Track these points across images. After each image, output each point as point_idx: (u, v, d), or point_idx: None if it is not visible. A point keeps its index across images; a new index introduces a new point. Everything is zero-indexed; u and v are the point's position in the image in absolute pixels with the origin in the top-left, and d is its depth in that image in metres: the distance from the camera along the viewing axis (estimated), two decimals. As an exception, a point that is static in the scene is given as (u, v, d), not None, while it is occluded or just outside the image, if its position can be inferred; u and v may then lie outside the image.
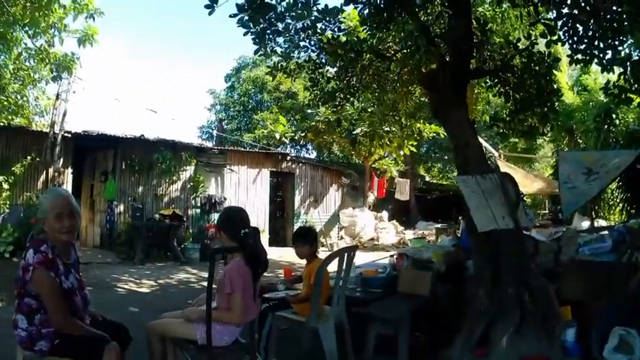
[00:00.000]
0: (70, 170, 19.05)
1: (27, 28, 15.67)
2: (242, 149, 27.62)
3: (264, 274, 5.63)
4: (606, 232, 8.61)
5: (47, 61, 16.73)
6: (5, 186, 16.99)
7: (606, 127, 21.39)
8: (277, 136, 30.40)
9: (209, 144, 32.64)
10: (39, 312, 4.41)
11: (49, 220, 4.54)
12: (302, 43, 10.27)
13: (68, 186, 18.41)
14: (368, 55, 10.81)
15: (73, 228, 4.61)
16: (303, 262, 7.32)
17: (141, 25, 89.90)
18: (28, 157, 17.57)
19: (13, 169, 17.17)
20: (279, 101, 39.52)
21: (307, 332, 6.44)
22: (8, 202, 17.22)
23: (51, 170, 17.95)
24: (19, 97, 20.12)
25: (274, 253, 20.10)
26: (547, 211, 30.16)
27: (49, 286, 4.33)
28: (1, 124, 18.59)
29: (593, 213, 17.96)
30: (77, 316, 4.58)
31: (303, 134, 29.44)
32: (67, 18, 15.44)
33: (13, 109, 20.00)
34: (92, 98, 77.63)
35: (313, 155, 39.55)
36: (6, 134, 17.78)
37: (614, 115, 21.39)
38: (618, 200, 19.08)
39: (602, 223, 17.14)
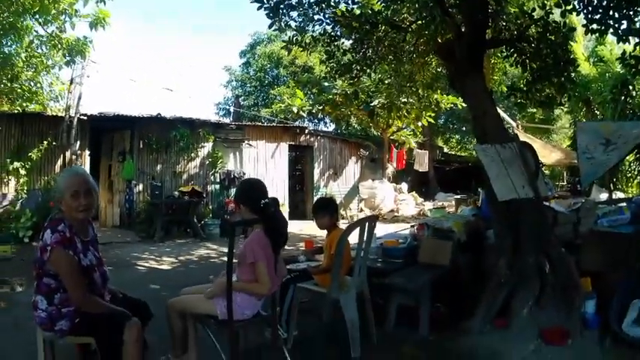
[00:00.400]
0: (87, 152, 19.05)
1: (37, 16, 15.70)
2: (260, 124, 27.58)
3: (285, 247, 5.63)
4: (624, 204, 8.59)
5: (60, 46, 16.72)
6: (22, 172, 17.07)
7: (623, 98, 21.19)
8: (295, 110, 30.23)
9: (226, 120, 32.55)
10: (58, 291, 4.44)
11: (65, 199, 4.55)
12: (316, 17, 10.27)
13: (86, 167, 18.23)
14: (383, 27, 10.73)
15: (90, 206, 4.62)
16: (324, 234, 7.26)
17: (152, 4, 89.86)
18: (45, 142, 17.63)
19: (29, 154, 17.25)
20: (295, 75, 39.35)
21: (328, 303, 6.42)
22: (26, 188, 17.33)
23: (68, 153, 18.02)
24: (32, 84, 20.14)
25: (294, 227, 20.10)
26: (565, 183, 30.06)
27: (68, 264, 4.36)
28: (16, 111, 18.64)
29: (611, 185, 17.85)
30: (97, 293, 4.62)
31: (320, 107, 29.26)
32: (77, 3, 15.46)
33: (28, 96, 20.04)
34: (107, 80, 78.01)
35: (331, 128, 39.51)
36: (21, 121, 17.83)
37: (630, 87, 21.19)
38: (636, 172, 19.02)
39: (620, 195, 17.11)
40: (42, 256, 4.38)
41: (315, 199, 22.83)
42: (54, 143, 17.85)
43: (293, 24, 10.17)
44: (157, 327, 5.34)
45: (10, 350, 6.43)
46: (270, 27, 9.73)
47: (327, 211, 7.15)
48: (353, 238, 6.50)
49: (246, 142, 23.15)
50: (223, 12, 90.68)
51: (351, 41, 11.71)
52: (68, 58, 16.98)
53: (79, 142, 18.24)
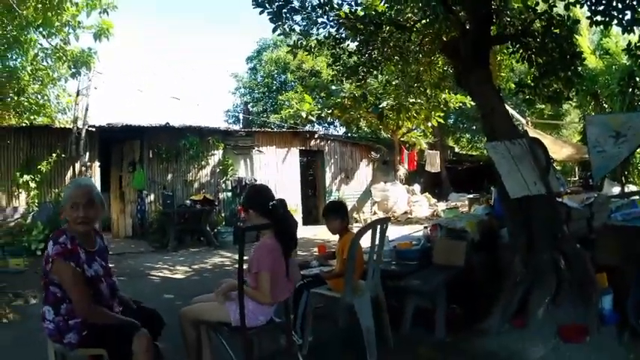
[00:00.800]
0: (97, 163, 19.07)
1: (41, 29, 15.76)
2: (269, 130, 27.68)
3: (299, 252, 5.60)
4: (637, 197, 8.55)
5: (65, 58, 16.77)
6: (32, 185, 17.19)
7: (630, 90, 21.13)
8: (304, 114, 30.28)
9: (236, 127, 32.60)
10: (64, 301, 4.46)
11: (66, 209, 4.59)
12: (320, 20, 10.23)
13: (96, 179, 18.50)
14: (387, 28, 10.71)
15: (89, 219, 4.60)
16: (337, 239, 7.21)
17: (157, 12, 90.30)
18: (54, 155, 17.69)
19: (39, 167, 17.29)
20: (303, 80, 39.32)
21: (343, 308, 6.37)
22: (37, 201, 17.38)
23: (78, 165, 18.05)
24: (39, 96, 20.21)
25: (308, 232, 20.12)
26: (577, 178, 30.04)
27: (70, 275, 4.37)
28: (24, 124, 18.74)
29: (623, 178, 17.83)
30: (104, 304, 4.60)
31: (329, 111, 29.32)
32: (80, 15, 15.48)
33: (35, 109, 20.12)
34: (114, 90, 78.33)
35: (341, 132, 39.46)
36: (29, 134, 17.92)
37: (637, 78, 21.11)
38: (648, 165, 19.01)
39: (632, 188, 17.08)
40: (46, 267, 4.41)
41: (329, 202, 22.82)
42: (63, 155, 17.92)
43: (297, 28, 10.16)
44: (171, 336, 5.33)
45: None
46: (274, 31, 9.73)
47: (337, 214, 7.08)
48: (366, 241, 6.41)
49: (256, 148, 23.16)
50: (228, 17, 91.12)
51: (356, 43, 11.67)
52: (74, 70, 17.02)
53: (88, 154, 18.27)
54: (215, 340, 5.47)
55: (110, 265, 5.01)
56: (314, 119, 31.45)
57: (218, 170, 21.79)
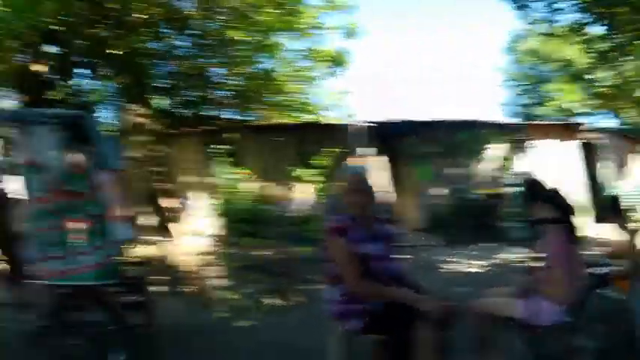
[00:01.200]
0: (379, 158, 19.68)
1: (283, 32, 16.91)
2: (542, 123, 27.32)
3: (586, 252, 5.80)
4: None
5: (320, 59, 17.96)
6: (309, 178, 17.91)
7: None
8: (569, 105, 29.79)
9: (509, 120, 32.34)
10: (341, 279, 4.76)
11: (343, 194, 5.11)
12: (559, 5, 10.37)
13: (380, 173, 19.09)
14: (626, 9, 10.17)
15: (360, 204, 4.92)
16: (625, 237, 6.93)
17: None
18: (330, 150, 18.60)
19: (315, 161, 18.29)
20: (561, 70, 38.58)
21: (628, 312, 5.93)
22: (320, 193, 18.30)
23: (357, 159, 18.72)
24: (300, 95, 21.39)
25: (590, 230, 19.64)
26: None
27: (339, 249, 4.72)
28: (289, 121, 20.13)
29: None
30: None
31: (595, 102, 28.75)
32: (320, 17, 16.57)
33: (297, 107, 21.33)
34: (383, 87, 79.34)
35: (612, 123, 38.19)
36: (299, 131, 19.16)
37: None
38: None
39: None
40: (323, 244, 4.98)
41: (605, 199, 22.21)
42: (342, 150, 18.55)
43: (538, 15, 10.32)
44: (461, 327, 5.11)
45: (311, 345, 6.76)
46: (520, 18, 9.98)
47: (615, 211, 7.30)
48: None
49: (531, 141, 23.23)
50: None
51: (604, 28, 11.47)
52: (332, 69, 18.22)
53: (367, 149, 19.23)
54: (504, 335, 5.63)
55: (405, 257, 5.42)
56: (581, 110, 30.89)
57: (499, 165, 21.75)
